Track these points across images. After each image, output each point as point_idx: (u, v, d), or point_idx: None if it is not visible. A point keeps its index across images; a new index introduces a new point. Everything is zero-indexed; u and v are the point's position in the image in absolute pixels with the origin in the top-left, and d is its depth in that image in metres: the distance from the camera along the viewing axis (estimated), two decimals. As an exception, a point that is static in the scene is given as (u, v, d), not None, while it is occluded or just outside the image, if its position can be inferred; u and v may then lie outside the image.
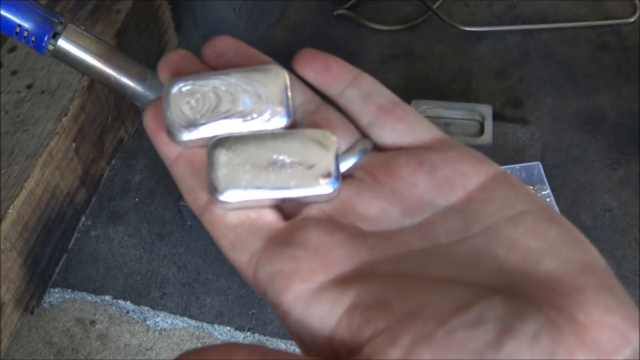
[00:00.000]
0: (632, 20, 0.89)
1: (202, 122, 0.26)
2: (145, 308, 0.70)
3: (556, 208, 0.68)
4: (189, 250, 0.73)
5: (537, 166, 0.71)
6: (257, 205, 0.26)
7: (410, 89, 0.85)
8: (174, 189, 0.78)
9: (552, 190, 0.69)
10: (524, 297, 0.21)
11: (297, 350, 0.67)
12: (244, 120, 0.26)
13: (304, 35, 0.93)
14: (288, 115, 0.26)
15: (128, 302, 0.70)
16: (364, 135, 0.27)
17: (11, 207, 0.64)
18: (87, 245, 0.75)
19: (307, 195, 0.25)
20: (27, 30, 0.57)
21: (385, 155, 0.26)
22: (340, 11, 0.94)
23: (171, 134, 0.26)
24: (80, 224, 0.77)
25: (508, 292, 0.21)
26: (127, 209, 0.77)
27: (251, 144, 0.26)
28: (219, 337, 0.68)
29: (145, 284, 0.71)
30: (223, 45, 0.28)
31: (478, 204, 0.24)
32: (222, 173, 0.25)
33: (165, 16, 0.90)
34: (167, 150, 0.27)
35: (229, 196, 0.25)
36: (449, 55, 0.88)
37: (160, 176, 0.79)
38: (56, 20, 0.58)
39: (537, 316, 0.20)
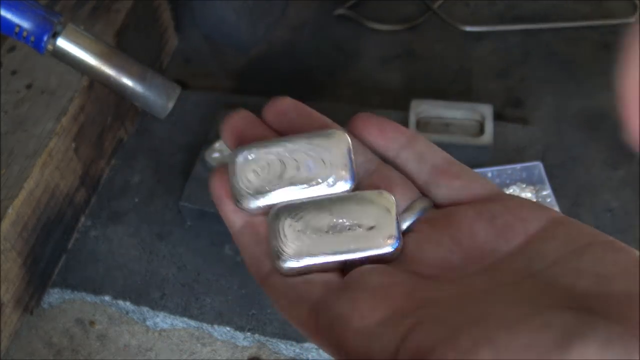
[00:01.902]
0: (632, 20, 0.88)
1: (268, 189, 0.27)
2: (145, 308, 0.70)
3: (557, 208, 0.68)
4: (189, 250, 0.73)
5: (538, 166, 0.70)
6: (319, 270, 0.26)
7: (410, 89, 0.84)
8: (174, 189, 0.78)
9: (553, 190, 0.69)
10: (594, 312, 0.21)
11: (297, 350, 0.66)
12: (308, 186, 0.27)
13: (304, 35, 0.93)
14: (352, 179, 0.27)
15: (128, 303, 0.70)
16: (423, 193, 0.28)
17: (10, 207, 0.64)
18: (87, 246, 0.75)
19: (368, 256, 0.26)
20: (26, 30, 0.56)
21: (444, 210, 0.27)
22: (340, 11, 0.93)
23: (238, 201, 0.27)
24: (80, 224, 0.76)
25: (578, 310, 0.21)
26: (126, 209, 0.77)
27: (310, 209, 0.27)
28: (219, 337, 0.67)
29: (145, 284, 0.71)
30: (284, 106, 0.30)
31: (540, 244, 0.24)
32: (283, 241, 0.26)
33: (165, 16, 0.90)
34: (233, 218, 0.28)
35: (292, 264, 0.26)
36: (449, 55, 0.88)
37: (160, 176, 0.79)
38: (56, 20, 0.58)
39: (609, 325, 0.20)
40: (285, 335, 0.66)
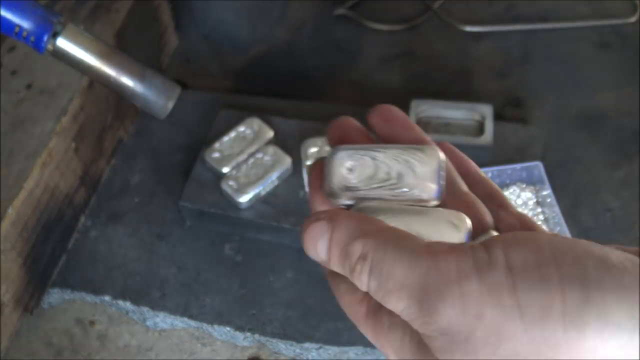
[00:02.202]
0: (632, 20, 0.89)
1: (357, 188, 0.29)
2: (145, 308, 0.70)
3: (557, 208, 0.68)
4: (189, 251, 0.73)
5: (538, 166, 0.70)
6: None
7: (410, 89, 0.84)
8: (174, 189, 0.78)
9: (553, 190, 0.69)
10: None
11: (297, 350, 0.66)
12: (395, 193, 0.29)
13: (304, 35, 0.93)
14: (438, 194, 0.28)
15: (127, 303, 0.70)
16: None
17: (10, 207, 0.64)
18: (87, 246, 0.75)
19: None
20: (26, 30, 0.56)
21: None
22: (340, 11, 0.93)
23: (330, 194, 0.29)
24: (80, 224, 0.76)
25: None
26: (126, 209, 0.77)
27: (388, 213, 0.28)
28: (219, 337, 0.67)
29: (144, 284, 0.71)
30: (389, 114, 0.32)
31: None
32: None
33: (165, 16, 0.90)
34: (320, 209, 0.30)
35: None
36: (449, 55, 0.88)
37: (160, 176, 0.79)
38: (55, 20, 0.58)
39: None
40: (285, 335, 0.66)
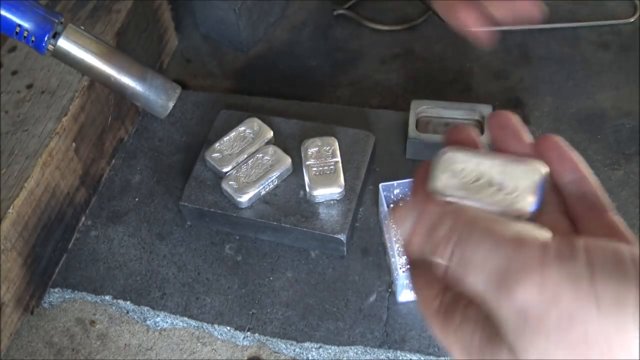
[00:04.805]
0: (632, 20, 0.89)
1: (458, 190, 0.30)
2: (145, 308, 0.70)
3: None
4: (189, 250, 0.73)
5: (537, 166, 0.71)
6: None
7: (410, 89, 0.85)
8: (174, 189, 0.78)
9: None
10: None
11: (297, 350, 0.67)
12: (493, 200, 0.30)
13: (304, 35, 0.93)
14: (536, 205, 0.30)
15: (128, 302, 0.70)
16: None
17: (11, 207, 0.64)
18: (87, 245, 0.75)
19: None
20: (27, 30, 0.57)
21: None
22: (340, 11, 0.94)
23: (433, 192, 0.31)
24: (80, 224, 0.77)
25: None
26: (127, 209, 0.77)
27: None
28: (219, 337, 0.68)
29: (145, 284, 0.71)
30: (507, 121, 0.34)
31: None
32: None
33: (165, 16, 0.90)
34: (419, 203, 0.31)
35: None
36: (449, 55, 0.88)
37: (160, 176, 0.79)
38: (56, 20, 0.58)
39: None
40: (285, 335, 0.67)
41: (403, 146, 0.77)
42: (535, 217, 0.30)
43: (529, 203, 0.30)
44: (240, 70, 0.90)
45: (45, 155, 0.68)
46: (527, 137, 0.34)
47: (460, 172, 0.31)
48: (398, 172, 0.75)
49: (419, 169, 0.33)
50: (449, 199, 0.30)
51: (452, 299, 0.29)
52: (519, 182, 0.30)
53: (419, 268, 0.31)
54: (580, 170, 0.33)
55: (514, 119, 0.34)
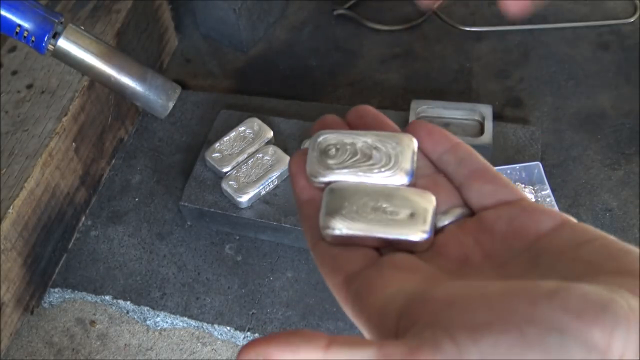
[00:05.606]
0: (632, 20, 0.89)
1: (335, 168, 0.31)
2: (145, 308, 0.70)
3: (556, 208, 0.68)
4: (189, 250, 0.73)
5: (537, 166, 0.71)
6: (358, 243, 0.30)
7: (410, 89, 0.85)
8: (174, 189, 0.78)
9: (552, 190, 0.69)
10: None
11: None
12: (371, 173, 0.31)
13: (304, 35, 0.93)
14: (411, 176, 0.31)
15: (128, 302, 0.70)
16: (466, 204, 0.31)
17: (11, 207, 0.64)
18: (87, 245, 0.75)
19: (401, 240, 0.29)
20: (27, 30, 0.57)
21: (474, 216, 0.30)
22: (340, 11, 0.94)
23: (310, 174, 0.31)
24: (80, 224, 0.77)
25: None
26: (127, 209, 0.77)
27: (361, 191, 0.31)
28: (219, 337, 0.68)
29: (145, 284, 0.71)
30: (364, 112, 0.35)
31: (548, 241, 0.28)
32: (332, 214, 0.30)
33: (165, 16, 0.90)
34: (301, 193, 0.32)
35: (336, 232, 0.30)
36: (449, 55, 0.88)
37: (160, 176, 0.79)
38: (56, 20, 0.58)
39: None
40: (285, 334, 0.67)
41: (403, 146, 0.77)
42: (414, 184, 0.31)
43: (404, 172, 0.31)
44: (240, 70, 0.90)
45: (45, 155, 0.68)
46: (389, 121, 0.35)
47: (336, 150, 0.32)
48: (398, 172, 0.75)
49: (295, 157, 0.33)
50: (325, 179, 0.31)
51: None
52: (392, 154, 0.31)
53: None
54: (452, 139, 0.33)
55: (373, 109, 0.35)
